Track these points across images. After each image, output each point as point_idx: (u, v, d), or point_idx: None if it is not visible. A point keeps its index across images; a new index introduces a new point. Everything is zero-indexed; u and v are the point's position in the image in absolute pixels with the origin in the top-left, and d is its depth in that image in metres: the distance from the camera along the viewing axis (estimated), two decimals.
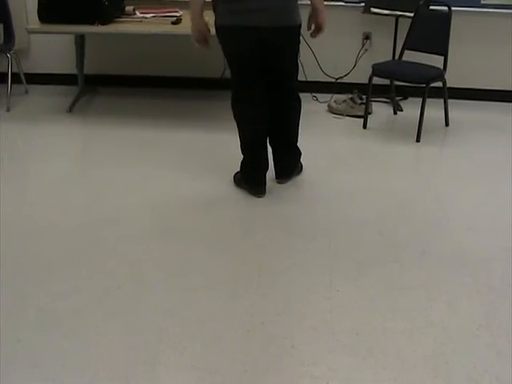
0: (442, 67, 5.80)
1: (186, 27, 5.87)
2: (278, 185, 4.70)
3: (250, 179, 4.60)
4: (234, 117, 4.54)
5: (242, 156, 4.60)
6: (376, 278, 3.58)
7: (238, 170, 4.68)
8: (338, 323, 3.18)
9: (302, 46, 6.48)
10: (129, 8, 6.19)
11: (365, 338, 3.09)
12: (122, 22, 6.01)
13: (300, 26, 4.32)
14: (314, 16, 4.39)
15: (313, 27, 4.45)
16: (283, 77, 4.52)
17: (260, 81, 4.42)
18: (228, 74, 6.61)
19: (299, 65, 4.64)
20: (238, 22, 4.16)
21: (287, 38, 4.32)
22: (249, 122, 4.51)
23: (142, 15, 6.14)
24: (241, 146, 4.58)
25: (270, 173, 4.63)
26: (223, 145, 5.45)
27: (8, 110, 6.22)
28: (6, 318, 3.20)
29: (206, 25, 4.35)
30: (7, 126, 5.80)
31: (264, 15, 4.12)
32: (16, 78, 6.55)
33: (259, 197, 4.53)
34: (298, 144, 4.81)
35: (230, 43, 4.29)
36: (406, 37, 6.04)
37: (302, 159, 4.91)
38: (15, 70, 6.55)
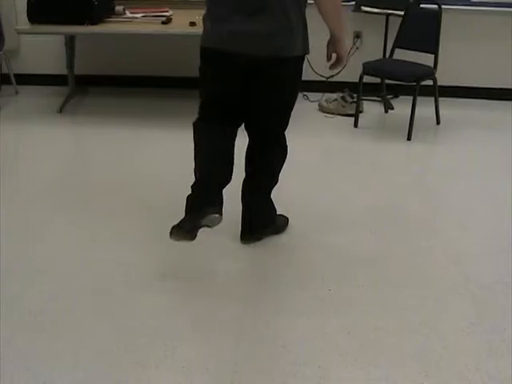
0: (432, 65, 5.81)
1: (175, 27, 5.89)
2: None
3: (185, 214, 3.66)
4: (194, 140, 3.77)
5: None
6: (367, 277, 3.58)
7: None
8: (329, 322, 3.18)
9: None
10: (119, 8, 6.17)
11: (356, 337, 3.08)
12: (111, 22, 5.99)
13: (301, 58, 3.58)
14: (333, 45, 3.66)
15: (333, 58, 3.73)
16: (267, 125, 3.79)
17: (234, 117, 3.71)
18: None
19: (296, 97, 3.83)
20: (224, 46, 3.43)
21: (283, 73, 3.52)
22: (205, 160, 3.74)
23: (131, 15, 6.12)
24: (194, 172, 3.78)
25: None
26: None
27: None
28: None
29: None
30: None
31: (258, 40, 3.38)
32: (6, 79, 6.54)
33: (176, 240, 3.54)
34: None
35: (211, 69, 3.56)
36: (397, 35, 6.04)
37: (283, 215, 4.13)
38: (5, 70, 6.53)
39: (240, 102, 3.63)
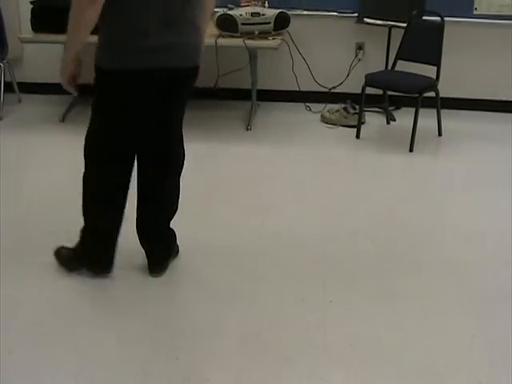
0: (434, 77, 5.81)
1: None
2: None
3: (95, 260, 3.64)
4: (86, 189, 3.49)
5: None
6: (369, 289, 3.58)
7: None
8: (331, 334, 3.18)
9: (296, 57, 6.57)
10: None
11: (358, 348, 3.08)
12: None
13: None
14: None
15: None
16: (173, 126, 3.56)
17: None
18: (222, 83, 6.70)
19: None
20: (150, 65, 3.14)
21: (192, 83, 3.45)
22: (113, 208, 3.50)
23: None
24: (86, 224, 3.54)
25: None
26: (212, 156, 5.46)
27: (1, 118, 6.21)
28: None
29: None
30: (0, 134, 5.79)
31: (179, 52, 3.24)
32: (9, 87, 6.54)
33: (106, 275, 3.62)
34: None
35: (131, 94, 3.21)
36: (399, 47, 6.05)
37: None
38: (8, 79, 6.53)
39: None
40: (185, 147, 3.62)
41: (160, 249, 3.68)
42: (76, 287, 3.55)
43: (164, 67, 3.17)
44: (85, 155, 3.40)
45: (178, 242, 3.80)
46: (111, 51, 3.14)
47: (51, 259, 3.67)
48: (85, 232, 3.54)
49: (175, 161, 3.60)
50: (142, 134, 3.38)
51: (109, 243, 3.55)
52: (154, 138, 3.46)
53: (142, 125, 3.34)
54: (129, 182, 3.44)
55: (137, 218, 3.60)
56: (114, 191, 3.44)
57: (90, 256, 3.60)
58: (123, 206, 3.48)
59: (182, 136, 3.60)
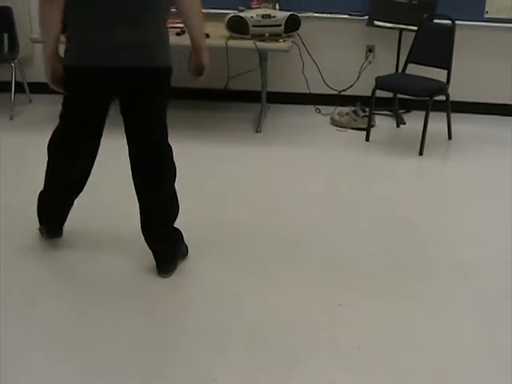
0: (445, 81, 5.80)
1: (189, 38, 5.89)
2: None
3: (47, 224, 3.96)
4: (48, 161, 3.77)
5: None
6: (378, 291, 3.57)
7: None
8: (340, 337, 3.17)
9: (306, 59, 6.57)
10: None
11: (367, 351, 3.07)
12: None
13: (168, 68, 3.50)
14: (195, 55, 3.65)
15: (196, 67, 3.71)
16: (147, 128, 3.60)
17: (100, 124, 3.70)
18: (232, 85, 6.71)
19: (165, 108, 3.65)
20: (92, 62, 3.32)
21: (149, 83, 3.44)
22: (62, 179, 3.79)
23: None
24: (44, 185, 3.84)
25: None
26: (221, 158, 5.47)
27: (11, 118, 6.23)
28: (8, 330, 3.20)
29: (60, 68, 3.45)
30: (10, 134, 5.80)
31: (121, 53, 3.30)
32: (20, 87, 6.55)
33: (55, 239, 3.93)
34: None
35: (78, 90, 3.45)
36: (410, 50, 6.04)
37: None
38: (19, 79, 6.55)
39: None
40: (171, 151, 3.67)
41: (164, 248, 3.70)
42: (82, 287, 3.57)
43: (107, 66, 3.30)
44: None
45: (187, 243, 3.81)
46: (65, 48, 3.37)
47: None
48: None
49: (163, 163, 3.66)
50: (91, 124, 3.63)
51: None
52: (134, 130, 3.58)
53: (91, 117, 3.60)
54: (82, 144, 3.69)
55: (139, 218, 3.66)
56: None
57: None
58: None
59: (164, 141, 3.63)
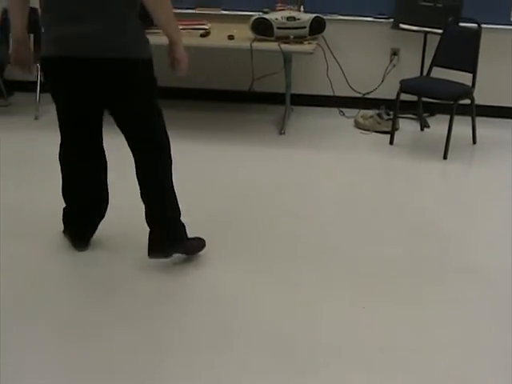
0: (470, 84, 5.77)
1: (214, 40, 5.92)
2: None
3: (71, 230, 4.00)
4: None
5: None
6: (400, 295, 3.56)
7: None
8: (362, 340, 3.17)
9: (330, 61, 6.56)
10: None
11: (389, 354, 3.07)
12: (150, 33, 6.00)
13: (142, 61, 3.49)
14: (169, 49, 3.62)
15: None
16: (131, 124, 3.62)
17: (92, 133, 3.76)
18: (257, 87, 6.72)
19: (160, 109, 3.69)
20: (57, 52, 3.41)
21: (120, 76, 3.42)
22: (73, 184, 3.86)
23: None
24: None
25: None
26: (245, 160, 5.48)
27: (36, 118, 6.26)
28: (15, 327, 3.22)
29: (30, 50, 3.69)
30: (35, 134, 5.83)
31: (84, 42, 3.34)
32: (45, 88, 6.58)
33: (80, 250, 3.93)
34: None
35: (51, 81, 3.59)
36: (435, 53, 6.01)
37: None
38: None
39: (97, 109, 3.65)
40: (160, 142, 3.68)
41: (158, 235, 3.68)
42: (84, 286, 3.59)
43: (70, 56, 3.35)
44: None
45: (209, 242, 3.82)
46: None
47: None
48: None
49: (154, 157, 3.67)
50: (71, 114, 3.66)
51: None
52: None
53: (69, 107, 3.64)
54: (81, 155, 3.76)
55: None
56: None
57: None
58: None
59: (154, 136, 3.65)
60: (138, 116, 3.57)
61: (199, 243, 3.86)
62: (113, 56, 3.34)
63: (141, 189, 3.66)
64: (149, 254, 3.69)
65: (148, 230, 3.68)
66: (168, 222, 3.71)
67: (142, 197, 3.67)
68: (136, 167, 3.66)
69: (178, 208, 3.72)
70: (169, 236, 3.69)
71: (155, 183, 3.67)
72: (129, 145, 3.64)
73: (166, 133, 3.66)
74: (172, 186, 3.70)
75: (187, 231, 3.72)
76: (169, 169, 3.68)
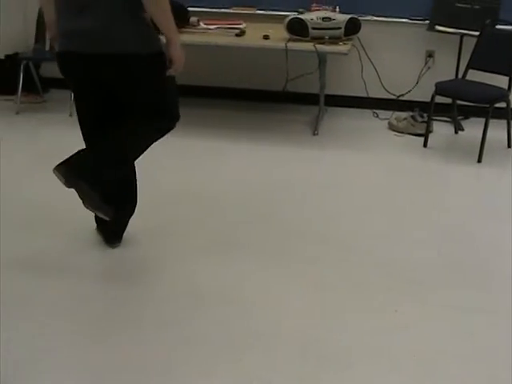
0: (506, 87, 5.72)
1: (249, 39, 5.93)
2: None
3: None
4: None
5: None
6: (435, 299, 3.53)
7: None
8: (395, 344, 3.15)
9: (365, 62, 6.54)
10: (193, 19, 6.24)
11: (421, 360, 3.04)
12: (186, 32, 6.05)
13: (146, 55, 3.44)
14: (166, 47, 3.50)
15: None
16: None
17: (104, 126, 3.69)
18: (290, 87, 6.72)
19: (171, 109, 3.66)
20: (65, 48, 3.47)
21: (122, 72, 3.44)
22: None
23: (206, 26, 6.19)
24: None
25: None
26: (278, 160, 5.47)
27: (71, 115, 6.29)
28: (31, 324, 3.24)
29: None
30: (69, 130, 5.83)
31: (85, 38, 3.38)
32: None
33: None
34: None
35: (64, 75, 3.60)
36: (471, 56, 5.97)
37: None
38: None
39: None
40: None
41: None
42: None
43: (74, 51, 3.40)
44: None
45: (239, 243, 3.82)
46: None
47: None
48: None
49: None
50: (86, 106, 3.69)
51: None
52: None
53: (84, 100, 3.66)
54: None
55: None
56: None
57: None
58: None
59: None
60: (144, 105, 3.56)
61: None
62: (111, 52, 3.36)
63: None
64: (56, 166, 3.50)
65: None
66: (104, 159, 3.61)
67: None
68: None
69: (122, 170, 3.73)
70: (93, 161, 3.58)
71: (126, 132, 3.61)
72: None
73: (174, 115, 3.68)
74: (131, 155, 3.69)
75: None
76: (148, 140, 3.66)
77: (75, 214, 4.01)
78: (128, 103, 3.56)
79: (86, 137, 3.75)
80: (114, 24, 3.35)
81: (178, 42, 3.48)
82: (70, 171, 3.45)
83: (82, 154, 3.55)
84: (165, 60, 3.47)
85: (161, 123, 3.62)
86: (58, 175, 3.46)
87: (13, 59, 7.07)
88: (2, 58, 7.28)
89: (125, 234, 3.97)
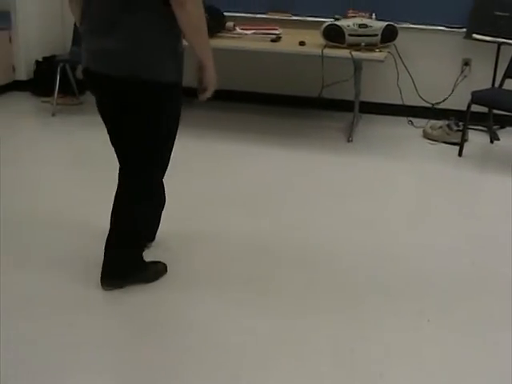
0: None
1: (285, 45, 5.93)
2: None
3: None
4: None
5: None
6: (469, 311, 3.50)
7: None
8: (426, 354, 3.12)
9: (401, 70, 6.51)
10: (229, 24, 6.26)
11: (452, 371, 3.01)
12: (221, 37, 6.08)
13: (160, 84, 3.19)
14: (200, 73, 3.31)
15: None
16: (121, 150, 3.51)
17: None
18: (326, 93, 6.71)
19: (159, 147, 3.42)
20: (84, 65, 3.32)
21: (126, 95, 3.23)
22: None
23: (241, 31, 6.20)
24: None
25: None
26: (312, 166, 5.47)
27: None
28: (40, 333, 3.26)
29: None
30: (104, 132, 5.88)
31: (101, 57, 3.21)
32: None
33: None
34: None
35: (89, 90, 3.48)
36: (508, 65, 5.93)
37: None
38: None
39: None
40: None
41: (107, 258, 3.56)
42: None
43: (91, 70, 3.27)
44: None
45: (271, 247, 3.81)
46: None
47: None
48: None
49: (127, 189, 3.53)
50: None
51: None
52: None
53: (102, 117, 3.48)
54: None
55: None
56: None
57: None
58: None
59: (135, 169, 3.48)
60: (128, 139, 3.40)
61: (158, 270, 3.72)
62: (114, 74, 3.15)
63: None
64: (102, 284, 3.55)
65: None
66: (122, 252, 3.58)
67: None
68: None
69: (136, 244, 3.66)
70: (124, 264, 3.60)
71: (117, 208, 3.55)
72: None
73: (153, 176, 3.55)
74: (135, 228, 3.59)
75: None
76: (137, 210, 3.55)
77: (94, 217, 4.04)
78: (126, 137, 3.40)
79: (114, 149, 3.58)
80: (129, 48, 3.12)
81: (213, 69, 3.30)
82: (114, 285, 3.56)
83: (110, 259, 3.53)
84: (176, 93, 3.31)
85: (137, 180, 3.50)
86: (107, 288, 3.55)
87: (50, 61, 7.16)
88: (40, 60, 7.36)
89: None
